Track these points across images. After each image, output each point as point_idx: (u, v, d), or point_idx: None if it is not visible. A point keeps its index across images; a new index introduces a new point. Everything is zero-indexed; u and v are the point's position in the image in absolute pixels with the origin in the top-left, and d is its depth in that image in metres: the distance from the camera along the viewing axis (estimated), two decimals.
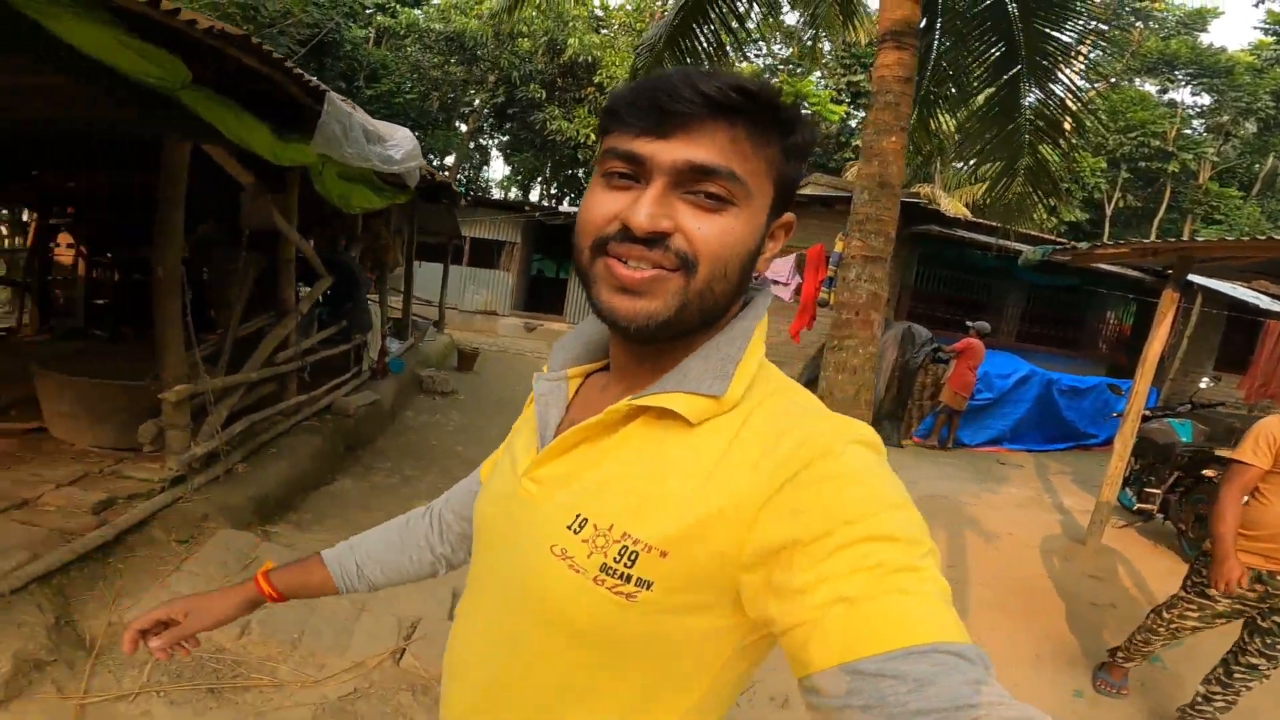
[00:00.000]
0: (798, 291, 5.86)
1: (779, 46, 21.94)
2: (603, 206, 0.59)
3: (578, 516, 0.61)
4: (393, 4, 19.17)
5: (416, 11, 19.65)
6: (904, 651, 0.44)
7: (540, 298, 16.52)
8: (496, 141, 23.75)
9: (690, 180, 0.57)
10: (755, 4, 5.85)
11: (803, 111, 0.62)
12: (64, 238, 6.38)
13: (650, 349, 0.65)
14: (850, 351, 4.29)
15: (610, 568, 0.57)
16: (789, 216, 0.65)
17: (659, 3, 20.54)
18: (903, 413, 7.90)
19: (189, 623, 0.90)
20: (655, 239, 0.57)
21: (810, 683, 0.48)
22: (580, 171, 21.34)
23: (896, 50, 3.91)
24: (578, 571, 0.59)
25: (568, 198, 22.30)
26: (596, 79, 17.68)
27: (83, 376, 3.59)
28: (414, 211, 7.61)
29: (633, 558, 0.57)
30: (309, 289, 4.91)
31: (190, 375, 3.32)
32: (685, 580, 0.56)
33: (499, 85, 18.78)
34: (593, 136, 17.86)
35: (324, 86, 3.33)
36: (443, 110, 19.91)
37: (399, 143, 4.43)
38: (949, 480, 6.57)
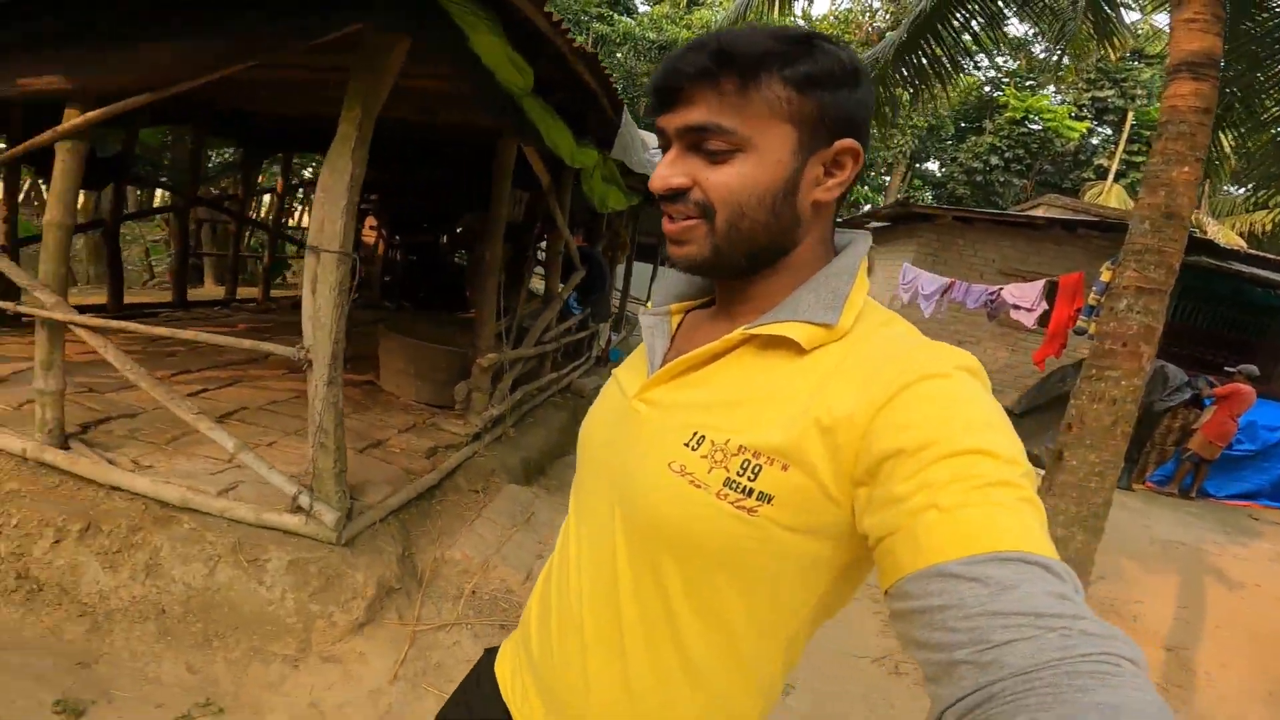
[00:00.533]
0: (1042, 319, 5.54)
1: (1003, 59, 20.48)
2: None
3: (694, 434, 0.63)
4: (610, 12, 20.19)
5: (630, 20, 20.54)
6: (989, 556, 0.45)
7: None
8: None
9: (696, 139, 0.63)
10: (977, 16, 5.60)
11: (816, 41, 0.63)
12: (369, 220, 7.52)
13: (745, 285, 0.70)
14: (1111, 383, 4.03)
15: (733, 481, 0.59)
16: (847, 143, 0.65)
17: (865, 15, 19.95)
18: (1138, 455, 7.17)
19: None
20: (675, 195, 0.65)
21: (897, 588, 0.49)
22: None
23: (1193, 81, 3.63)
24: (699, 487, 0.60)
25: None
26: None
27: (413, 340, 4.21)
28: (639, 213, 8.08)
29: (755, 471, 0.58)
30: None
31: (495, 347, 3.83)
32: (804, 497, 0.58)
33: None
34: None
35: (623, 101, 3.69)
36: (647, 115, 20.68)
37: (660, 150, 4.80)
38: (1189, 529, 6.07)
